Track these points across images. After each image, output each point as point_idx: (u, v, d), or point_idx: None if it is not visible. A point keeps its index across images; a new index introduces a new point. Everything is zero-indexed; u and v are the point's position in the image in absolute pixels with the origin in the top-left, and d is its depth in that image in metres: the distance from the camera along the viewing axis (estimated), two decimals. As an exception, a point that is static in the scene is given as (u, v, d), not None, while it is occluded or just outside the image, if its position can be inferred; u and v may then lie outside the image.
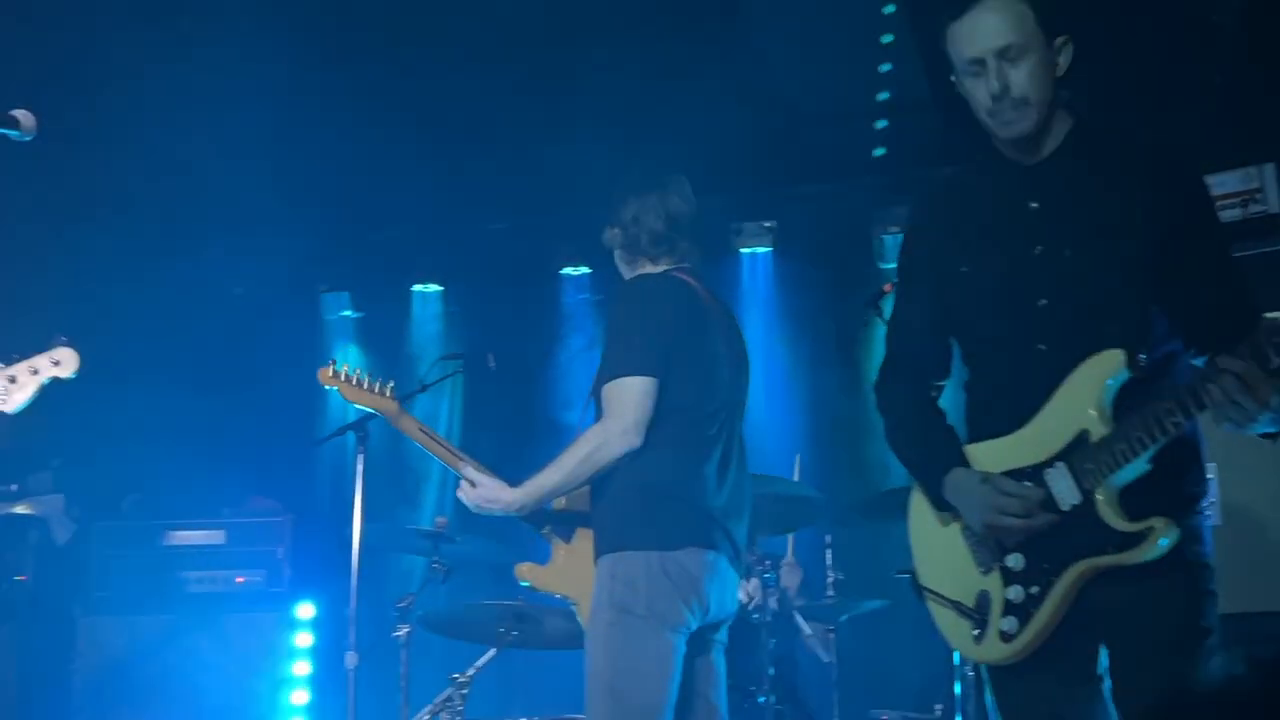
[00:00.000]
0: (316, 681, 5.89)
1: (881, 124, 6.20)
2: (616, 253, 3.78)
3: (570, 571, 3.65)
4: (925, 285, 2.95)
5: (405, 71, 6.01)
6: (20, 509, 5.93)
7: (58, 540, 5.99)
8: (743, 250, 6.78)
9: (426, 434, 3.83)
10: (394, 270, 7.15)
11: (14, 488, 5.96)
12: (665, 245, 3.68)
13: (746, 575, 5.45)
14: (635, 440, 3.42)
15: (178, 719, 5.67)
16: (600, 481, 3.51)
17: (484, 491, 3.58)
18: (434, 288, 7.18)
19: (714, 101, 5.98)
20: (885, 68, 5.95)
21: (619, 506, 3.47)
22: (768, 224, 6.73)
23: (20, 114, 3.04)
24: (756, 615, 4.88)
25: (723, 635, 3.64)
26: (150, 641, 5.74)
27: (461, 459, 3.69)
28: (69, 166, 5.60)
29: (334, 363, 3.88)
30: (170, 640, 5.71)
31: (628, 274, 3.77)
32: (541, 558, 3.74)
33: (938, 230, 2.95)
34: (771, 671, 4.67)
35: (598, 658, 3.40)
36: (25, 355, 3.74)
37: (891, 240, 6.44)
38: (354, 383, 3.85)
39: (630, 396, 3.43)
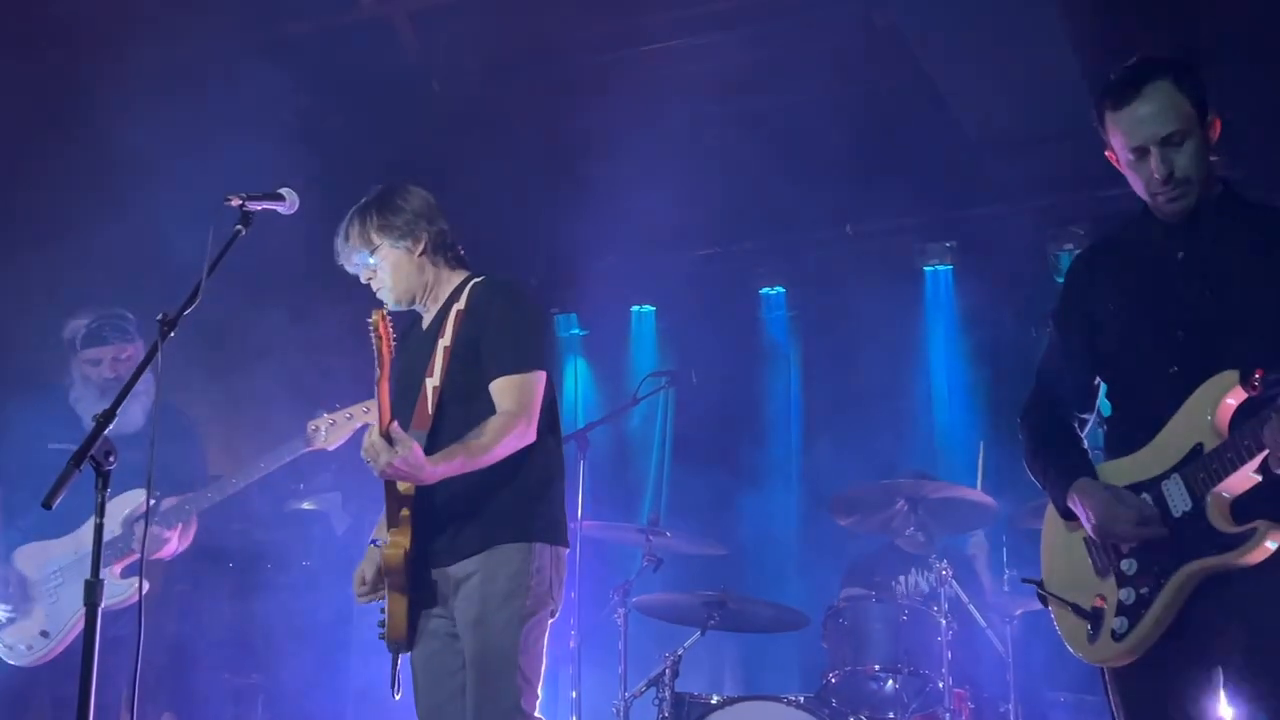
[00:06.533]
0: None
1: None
2: (416, 260, 3.33)
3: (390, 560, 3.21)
4: (1076, 323, 2.94)
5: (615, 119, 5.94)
6: (306, 505, 6.06)
7: (336, 530, 6.11)
8: (926, 268, 6.59)
9: (385, 393, 3.05)
10: (615, 293, 7.09)
11: (300, 486, 6.07)
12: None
13: (924, 570, 5.34)
14: (534, 436, 3.17)
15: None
16: (492, 472, 3.12)
17: (414, 458, 2.97)
18: (649, 308, 7.15)
19: (899, 132, 5.89)
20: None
21: (521, 497, 3.19)
22: (948, 244, 6.53)
23: (285, 191, 3.03)
24: (935, 607, 4.75)
25: None
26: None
27: (392, 420, 3.03)
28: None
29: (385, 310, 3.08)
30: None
31: (437, 278, 3.37)
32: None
33: (1091, 277, 2.95)
34: (949, 656, 4.56)
35: (500, 640, 3.10)
36: (345, 404, 4.06)
37: (1067, 256, 6.12)
38: (386, 336, 3.04)
39: (534, 391, 3.17)
